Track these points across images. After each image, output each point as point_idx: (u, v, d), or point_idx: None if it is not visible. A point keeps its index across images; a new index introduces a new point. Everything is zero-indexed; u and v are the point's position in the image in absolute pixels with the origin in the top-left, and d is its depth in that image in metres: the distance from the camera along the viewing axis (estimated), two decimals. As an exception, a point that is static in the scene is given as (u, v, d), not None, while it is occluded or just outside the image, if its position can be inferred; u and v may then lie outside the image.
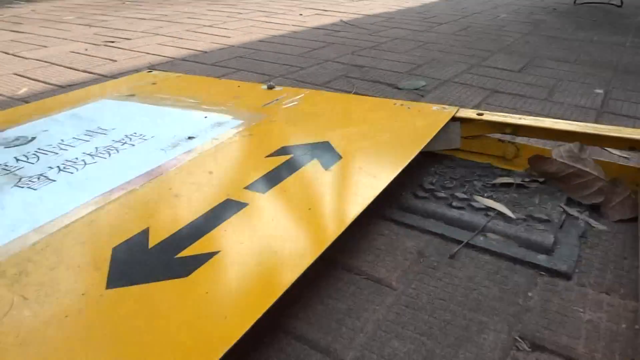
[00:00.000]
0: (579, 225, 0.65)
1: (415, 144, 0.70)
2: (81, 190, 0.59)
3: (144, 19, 2.38)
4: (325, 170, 0.62)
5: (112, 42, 1.82)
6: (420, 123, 0.78)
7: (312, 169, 0.62)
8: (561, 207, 0.68)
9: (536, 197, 0.71)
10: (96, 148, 0.72)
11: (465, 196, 0.71)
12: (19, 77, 1.36)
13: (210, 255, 0.44)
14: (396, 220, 0.66)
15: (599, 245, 0.61)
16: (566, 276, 0.55)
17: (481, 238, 0.62)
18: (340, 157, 0.66)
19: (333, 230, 0.48)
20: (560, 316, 0.50)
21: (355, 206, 0.53)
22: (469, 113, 0.82)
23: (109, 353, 0.35)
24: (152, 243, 0.47)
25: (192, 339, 0.35)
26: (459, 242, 0.62)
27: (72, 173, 0.64)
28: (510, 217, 0.65)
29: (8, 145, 0.75)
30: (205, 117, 0.84)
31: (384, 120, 0.80)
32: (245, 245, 0.46)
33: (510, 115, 0.81)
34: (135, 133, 0.78)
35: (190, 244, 0.46)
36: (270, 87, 1.00)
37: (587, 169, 0.71)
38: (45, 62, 1.53)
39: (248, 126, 0.79)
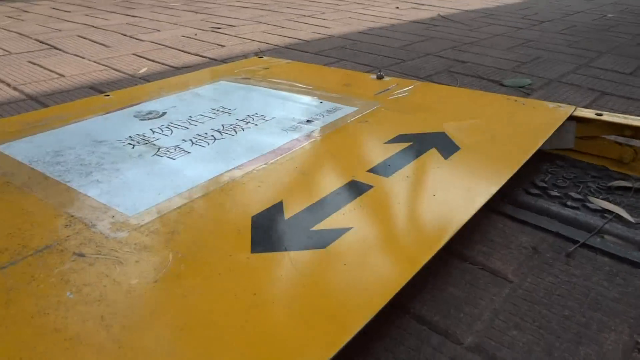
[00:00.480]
0: None
1: (532, 141, 0.69)
2: (215, 162, 0.64)
3: (246, 7, 2.47)
4: (445, 159, 0.63)
5: (219, 28, 1.91)
6: (536, 120, 0.77)
7: (432, 157, 0.64)
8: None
9: (659, 203, 0.68)
10: (222, 125, 0.78)
11: (579, 196, 0.70)
12: (137, 57, 1.46)
13: (344, 230, 0.47)
14: (509, 215, 0.67)
15: None
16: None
17: (598, 239, 0.61)
18: (459, 148, 0.67)
19: (458, 219, 0.49)
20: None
21: (478, 197, 0.54)
22: (587, 113, 0.80)
23: (261, 313, 0.38)
24: (287, 215, 0.51)
25: (338, 306, 0.38)
26: (574, 241, 0.61)
27: (203, 147, 0.70)
28: (629, 221, 0.64)
29: (143, 118, 0.82)
30: (321, 102, 0.88)
31: (499, 115, 0.80)
32: (376, 225, 0.49)
33: (632, 117, 0.79)
34: (256, 114, 0.83)
35: (324, 218, 0.50)
36: (380, 77, 1.02)
37: None
38: (160, 44, 1.63)
39: (363, 113, 0.81)
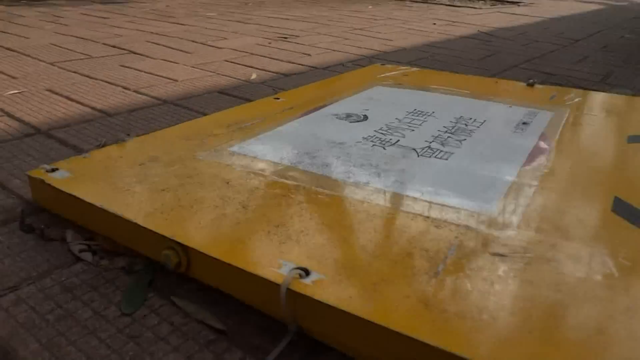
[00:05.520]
0: None
1: None
2: (496, 161, 0.65)
3: (288, 19, 2.47)
4: None
5: (286, 37, 1.90)
6: None
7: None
8: None
9: None
10: (445, 127, 0.78)
11: None
12: (232, 63, 1.44)
13: None
14: None
15: None
16: None
17: None
18: None
19: None
20: None
21: None
22: None
23: None
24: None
25: None
26: None
27: (459, 147, 0.70)
28: None
29: (350, 120, 0.81)
30: (510, 107, 0.89)
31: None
32: None
33: None
34: (462, 117, 0.83)
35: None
36: (531, 84, 1.05)
37: None
38: (242, 51, 1.62)
39: (563, 118, 0.84)
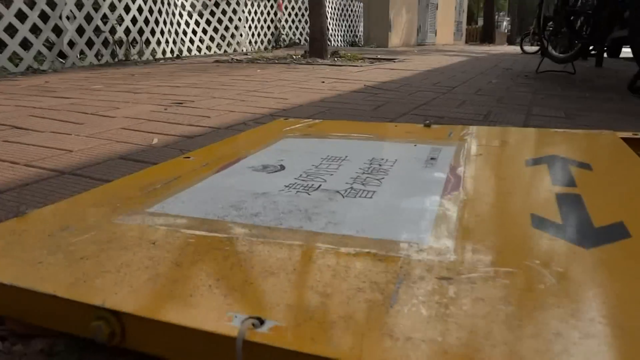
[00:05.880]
0: None
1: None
2: (414, 191, 0.67)
3: (179, 86, 2.45)
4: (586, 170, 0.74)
5: (181, 103, 1.88)
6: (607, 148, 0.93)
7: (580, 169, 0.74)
8: None
9: None
10: (361, 169, 0.80)
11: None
12: (128, 130, 1.39)
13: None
14: None
15: None
16: None
17: None
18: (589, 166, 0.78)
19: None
20: None
21: None
22: (627, 134, 0.98)
23: None
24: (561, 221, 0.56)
25: None
26: None
27: (379, 185, 0.72)
28: None
29: (267, 171, 0.81)
30: (415, 145, 0.94)
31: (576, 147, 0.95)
32: None
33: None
34: (374, 158, 0.86)
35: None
36: (428, 125, 1.12)
37: None
38: (139, 118, 1.57)
39: (465, 150, 0.90)
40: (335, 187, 0.71)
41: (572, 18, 3.22)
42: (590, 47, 3.92)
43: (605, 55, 4.96)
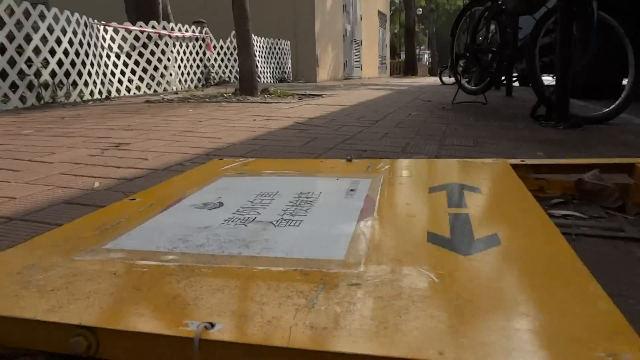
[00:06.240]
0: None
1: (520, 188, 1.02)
2: (338, 218, 0.81)
3: (113, 129, 2.50)
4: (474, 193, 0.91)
5: (117, 145, 1.95)
6: (496, 174, 1.11)
7: (474, 196, 0.91)
8: (604, 210, 1.04)
9: (583, 207, 1.06)
10: (290, 202, 0.93)
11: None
12: (67, 175, 1.45)
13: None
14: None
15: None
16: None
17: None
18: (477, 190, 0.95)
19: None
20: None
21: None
22: (515, 161, 1.17)
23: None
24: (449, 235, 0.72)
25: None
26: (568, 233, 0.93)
27: (305, 214, 0.85)
28: (582, 217, 0.99)
29: (208, 208, 0.92)
30: (337, 179, 1.09)
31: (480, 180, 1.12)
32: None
33: (540, 160, 1.18)
34: (302, 192, 1.00)
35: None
36: (349, 160, 1.27)
37: (609, 185, 1.08)
38: (77, 163, 1.63)
39: (380, 182, 1.05)
40: (268, 219, 0.84)
41: (479, 55, 3.57)
42: (502, 78, 4.32)
43: (517, 83, 5.46)
